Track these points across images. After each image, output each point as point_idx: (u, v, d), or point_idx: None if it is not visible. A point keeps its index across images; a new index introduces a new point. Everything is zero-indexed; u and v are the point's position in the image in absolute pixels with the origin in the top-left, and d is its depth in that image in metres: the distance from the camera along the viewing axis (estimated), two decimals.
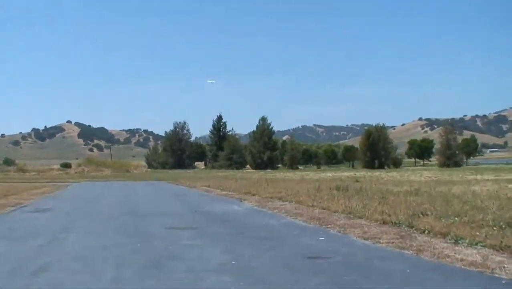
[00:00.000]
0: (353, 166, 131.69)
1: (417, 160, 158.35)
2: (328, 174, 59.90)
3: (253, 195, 20.63)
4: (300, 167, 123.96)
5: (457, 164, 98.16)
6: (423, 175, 49.86)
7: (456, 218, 9.95)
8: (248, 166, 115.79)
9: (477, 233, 8.25)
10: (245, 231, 10.05)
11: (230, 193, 22.92)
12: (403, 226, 9.85)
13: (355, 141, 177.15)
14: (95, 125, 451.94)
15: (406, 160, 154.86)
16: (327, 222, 11.12)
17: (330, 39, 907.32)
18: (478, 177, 41.34)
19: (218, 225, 11.10)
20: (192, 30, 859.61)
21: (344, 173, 60.27)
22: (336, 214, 12.45)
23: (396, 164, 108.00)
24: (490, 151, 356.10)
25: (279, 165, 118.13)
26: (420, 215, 10.66)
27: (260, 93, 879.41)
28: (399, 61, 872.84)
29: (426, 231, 9.09)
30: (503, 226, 8.82)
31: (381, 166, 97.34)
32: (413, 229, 9.49)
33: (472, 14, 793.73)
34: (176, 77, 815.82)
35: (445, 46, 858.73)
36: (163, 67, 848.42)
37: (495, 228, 8.73)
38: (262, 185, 26.97)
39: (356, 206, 12.95)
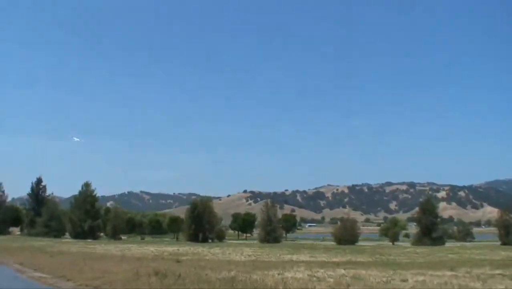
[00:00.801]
0: (177, 238, 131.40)
1: (240, 232, 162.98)
2: (151, 248, 58.98)
3: (68, 280, 19.67)
4: (123, 237, 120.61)
5: (277, 240, 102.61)
6: (244, 252, 51.25)
7: None
8: (67, 234, 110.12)
9: None
10: None
11: (44, 275, 21.54)
12: None
13: (182, 211, 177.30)
14: None
15: (230, 231, 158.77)
16: None
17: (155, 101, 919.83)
18: (294, 257, 43.60)
19: None
20: None
21: (167, 248, 59.82)
22: None
23: (220, 237, 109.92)
24: (309, 226, 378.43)
25: (102, 234, 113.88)
26: None
27: (85, 154, 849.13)
28: (227, 133, 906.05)
29: None
30: None
31: (204, 240, 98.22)
32: None
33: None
34: None
35: (270, 126, 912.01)
36: None
37: None
38: (79, 265, 25.88)
39: None
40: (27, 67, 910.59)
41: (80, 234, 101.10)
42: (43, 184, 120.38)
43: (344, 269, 27.17)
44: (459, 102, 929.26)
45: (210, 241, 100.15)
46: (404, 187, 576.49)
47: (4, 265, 26.97)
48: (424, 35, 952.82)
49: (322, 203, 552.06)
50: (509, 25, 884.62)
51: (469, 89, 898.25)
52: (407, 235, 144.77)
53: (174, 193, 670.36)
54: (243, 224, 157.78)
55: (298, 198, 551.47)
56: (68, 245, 65.88)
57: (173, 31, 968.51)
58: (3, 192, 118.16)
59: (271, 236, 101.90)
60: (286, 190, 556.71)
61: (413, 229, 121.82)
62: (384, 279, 20.87)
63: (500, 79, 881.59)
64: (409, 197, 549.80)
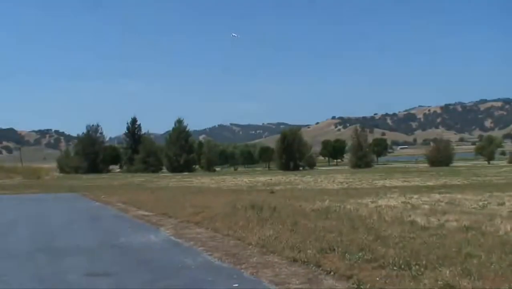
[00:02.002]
0: (269, 167, 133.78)
1: (331, 159, 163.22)
2: (245, 179, 60.67)
3: (170, 217, 20.75)
4: (217, 169, 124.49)
5: (368, 165, 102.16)
6: (336, 180, 51.61)
7: (360, 254, 10.61)
8: (164, 168, 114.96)
9: (377, 279, 8.90)
10: (163, 277, 10.02)
11: (146, 213, 22.81)
12: (312, 265, 10.43)
13: (272, 140, 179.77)
14: (3, 126, 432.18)
15: (321, 158, 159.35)
16: (241, 259, 11.53)
17: (240, 37, 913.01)
18: (387, 182, 43.43)
19: (136, 268, 11.07)
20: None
21: (260, 178, 61.29)
22: (250, 247, 12.90)
23: (310, 164, 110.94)
24: (401, 148, 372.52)
25: (197, 167, 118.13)
26: (328, 251, 11.28)
27: (176, 91, 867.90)
28: (312, 60, 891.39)
29: (332, 272, 9.72)
30: (402, 266, 9.47)
31: (296, 168, 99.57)
32: (321, 269, 10.09)
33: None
34: (89, 76, 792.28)
35: (355, 50, 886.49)
36: (76, 64, 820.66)
37: (395, 268, 9.39)
38: (179, 201, 27.15)
39: (269, 236, 13.42)
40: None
41: (176, 168, 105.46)
42: (138, 123, 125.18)
43: (439, 194, 26.85)
44: None
45: (301, 168, 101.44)
46: (499, 104, 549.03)
47: (111, 205, 28.49)
48: None
49: (414, 124, 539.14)
50: None
51: None
52: (503, 153, 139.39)
53: (263, 123, 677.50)
54: (333, 150, 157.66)
55: (389, 121, 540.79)
56: (166, 179, 68.91)
57: None
58: (101, 133, 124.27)
59: (362, 161, 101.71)
60: (376, 114, 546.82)
61: (509, 146, 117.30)
62: (480, 204, 20.47)
63: None
64: (505, 113, 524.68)
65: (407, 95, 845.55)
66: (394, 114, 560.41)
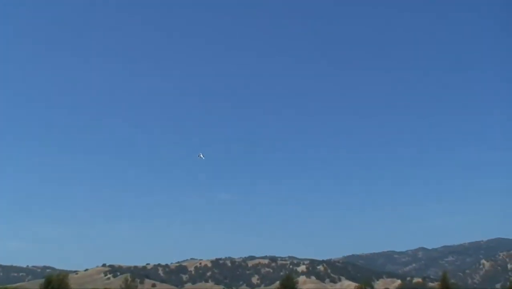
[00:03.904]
0: None
1: None
2: None
3: None
4: None
5: None
6: None
7: None
8: None
9: None
10: None
11: None
12: None
13: (35, 285, 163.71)
14: None
15: None
16: None
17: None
18: None
19: None
20: None
21: None
22: None
23: None
24: None
25: None
26: None
27: None
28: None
29: None
30: None
31: None
32: None
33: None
34: None
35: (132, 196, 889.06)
36: None
37: None
38: None
39: None
40: None
41: None
42: None
43: None
44: (312, 186, 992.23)
45: None
46: (266, 261, 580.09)
47: None
48: None
49: (184, 277, 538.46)
50: None
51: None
52: None
53: (27, 266, 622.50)
54: None
55: (160, 272, 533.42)
56: None
57: None
58: None
59: None
60: (148, 264, 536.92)
61: None
62: None
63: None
64: (271, 270, 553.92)
65: (180, 247, 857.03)
66: (167, 265, 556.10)
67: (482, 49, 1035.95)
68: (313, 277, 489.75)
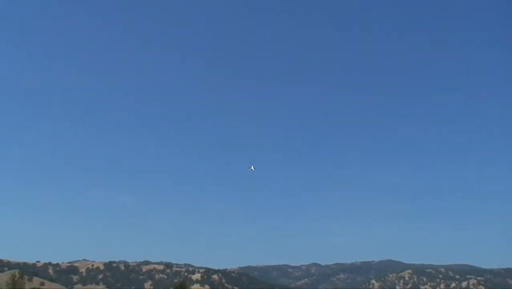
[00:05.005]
0: None
1: None
2: None
3: None
4: None
5: None
6: None
7: None
8: None
9: None
10: None
11: None
12: None
13: None
14: None
15: None
16: None
17: None
18: None
19: None
20: None
21: None
22: None
23: None
24: None
25: None
26: None
27: None
28: None
29: None
30: None
31: None
32: None
33: None
34: None
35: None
36: None
37: None
38: None
39: None
40: None
41: None
42: None
43: None
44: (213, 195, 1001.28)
45: None
46: (161, 267, 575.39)
47: None
48: None
49: (75, 277, 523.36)
50: None
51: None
52: None
53: None
54: None
55: (50, 270, 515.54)
56: None
57: None
58: None
59: None
60: (38, 261, 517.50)
61: None
62: None
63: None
64: (165, 277, 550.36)
65: (72, 247, 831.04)
66: (58, 264, 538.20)
67: None
68: (207, 286, 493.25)
